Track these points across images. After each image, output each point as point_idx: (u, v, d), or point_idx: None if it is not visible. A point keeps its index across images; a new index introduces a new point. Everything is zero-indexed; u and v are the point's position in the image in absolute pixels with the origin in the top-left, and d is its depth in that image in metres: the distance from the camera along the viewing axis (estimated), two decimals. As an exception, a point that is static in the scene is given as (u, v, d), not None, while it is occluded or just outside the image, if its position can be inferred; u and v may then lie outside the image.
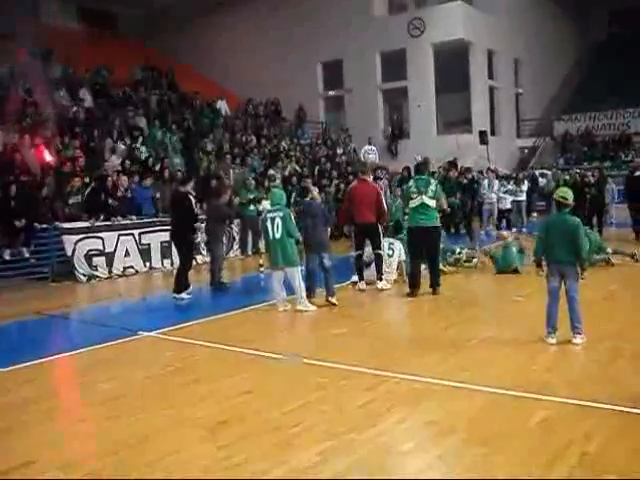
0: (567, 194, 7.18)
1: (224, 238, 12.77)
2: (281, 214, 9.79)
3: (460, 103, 30.06)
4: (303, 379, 6.35)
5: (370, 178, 11.87)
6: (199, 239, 13.49)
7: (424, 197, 10.26)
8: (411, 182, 10.76)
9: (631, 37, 36.19)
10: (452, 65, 28.32)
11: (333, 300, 9.99)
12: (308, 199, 11.14)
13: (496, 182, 19.50)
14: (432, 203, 10.29)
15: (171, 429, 5.13)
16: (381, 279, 11.20)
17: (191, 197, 11.47)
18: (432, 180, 10.84)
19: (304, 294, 9.78)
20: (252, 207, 16.70)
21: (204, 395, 5.93)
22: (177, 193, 12.00)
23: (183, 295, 11.15)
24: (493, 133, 29.81)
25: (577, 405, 5.23)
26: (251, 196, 16.91)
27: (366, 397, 5.64)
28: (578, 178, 17.75)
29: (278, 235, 9.70)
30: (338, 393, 5.85)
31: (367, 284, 11.16)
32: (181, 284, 11.19)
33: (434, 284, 10.50)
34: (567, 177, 18.90)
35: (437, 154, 23.53)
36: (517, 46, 31.53)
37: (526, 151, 32.60)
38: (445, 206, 10.93)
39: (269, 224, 9.79)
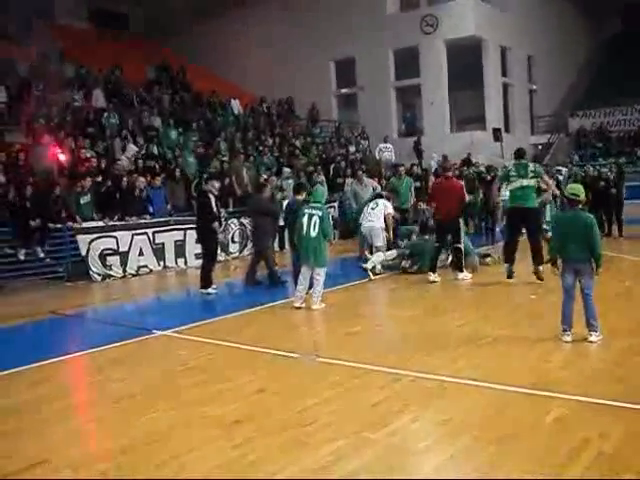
0: (578, 190, 7.13)
1: (271, 233, 12.77)
2: (320, 213, 9.67)
3: (474, 100, 29.96)
4: (317, 378, 6.34)
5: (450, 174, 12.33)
6: (221, 237, 13.45)
7: (523, 180, 10.78)
8: (511, 166, 11.31)
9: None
10: (465, 62, 28.21)
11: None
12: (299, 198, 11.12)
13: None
14: (532, 183, 10.85)
15: (185, 428, 5.14)
16: (462, 270, 11.61)
17: (210, 195, 11.65)
18: (530, 163, 11.43)
19: (321, 293, 9.75)
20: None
21: (218, 394, 5.94)
22: (199, 192, 12.32)
23: (210, 290, 11.51)
24: (507, 130, 29.68)
25: (592, 403, 5.19)
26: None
27: (379, 396, 5.62)
28: (591, 174, 17.59)
29: (314, 234, 9.59)
30: (351, 392, 5.84)
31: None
32: (207, 279, 11.53)
33: (536, 263, 10.73)
34: (582, 173, 18.74)
35: (451, 151, 23.51)
36: (530, 42, 31.37)
37: (540, 148, 32.41)
38: (550, 183, 12.00)
39: (305, 220, 9.67)
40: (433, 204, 12.24)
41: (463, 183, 12.74)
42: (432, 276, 11.54)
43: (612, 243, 14.65)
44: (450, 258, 12.32)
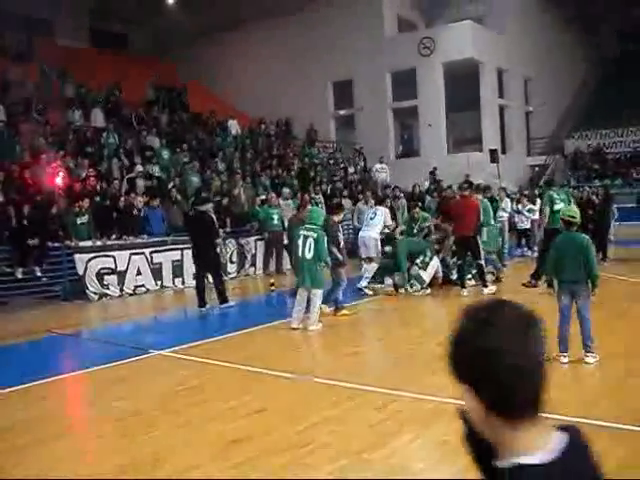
0: (574, 212, 7.20)
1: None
2: (315, 235, 9.61)
3: (470, 122, 30.10)
4: (315, 398, 6.35)
5: (467, 193, 12.85)
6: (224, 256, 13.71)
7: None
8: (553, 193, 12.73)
9: (640, 55, 36.25)
10: (462, 84, 28.38)
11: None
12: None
13: (507, 200, 19.38)
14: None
15: (185, 447, 5.14)
16: (486, 286, 12.01)
17: (212, 215, 12.17)
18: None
19: (317, 317, 9.75)
20: (277, 222, 16.78)
21: (216, 414, 5.94)
22: (196, 213, 12.42)
23: (231, 303, 11.94)
24: (504, 151, 29.78)
25: (590, 425, 5.19)
26: (275, 211, 16.99)
27: (378, 417, 5.63)
28: (585, 196, 17.55)
29: (309, 256, 9.56)
30: (350, 412, 5.84)
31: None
32: (223, 294, 11.89)
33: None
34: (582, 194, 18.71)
35: (448, 173, 23.59)
36: (527, 65, 31.58)
37: (537, 169, 32.55)
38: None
39: (300, 242, 9.66)
40: (451, 222, 12.80)
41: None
42: (464, 291, 11.98)
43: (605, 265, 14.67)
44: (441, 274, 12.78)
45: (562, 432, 1.43)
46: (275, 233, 16.75)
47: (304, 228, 9.88)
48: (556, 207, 12.20)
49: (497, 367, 1.36)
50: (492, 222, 13.78)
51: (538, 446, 1.36)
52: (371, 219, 13.20)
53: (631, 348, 7.62)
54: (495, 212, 17.80)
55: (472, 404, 1.42)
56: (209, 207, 12.41)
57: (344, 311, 10.59)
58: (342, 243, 10.74)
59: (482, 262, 12.18)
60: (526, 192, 21.61)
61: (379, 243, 13.05)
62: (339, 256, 10.51)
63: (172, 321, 12.05)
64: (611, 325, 8.80)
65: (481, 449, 1.47)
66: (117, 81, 23.60)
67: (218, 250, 12.74)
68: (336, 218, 10.89)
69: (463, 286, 12.08)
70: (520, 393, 1.37)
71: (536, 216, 18.08)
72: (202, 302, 11.74)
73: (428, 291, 12.43)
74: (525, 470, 1.33)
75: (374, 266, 12.80)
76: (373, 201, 16.79)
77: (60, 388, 7.44)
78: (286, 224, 15.74)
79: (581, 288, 6.94)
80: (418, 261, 12.44)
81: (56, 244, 13.83)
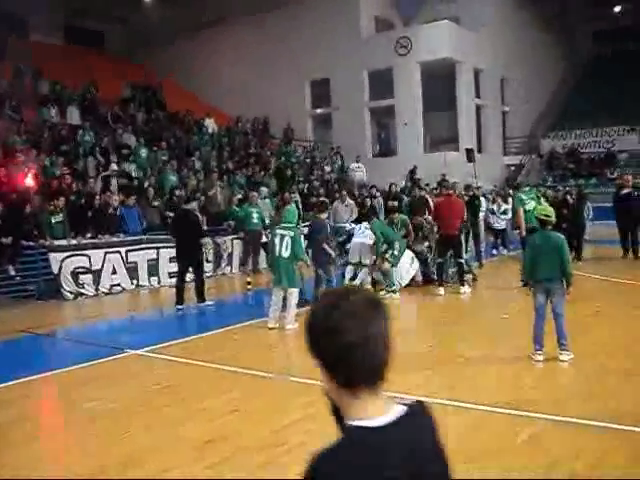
0: (549, 212, 7.25)
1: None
2: (292, 233, 9.64)
3: (447, 121, 30.22)
4: (291, 398, 6.34)
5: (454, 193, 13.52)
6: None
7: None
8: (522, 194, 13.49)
9: (616, 56, 36.62)
10: (439, 83, 28.50)
11: None
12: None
13: (483, 200, 19.44)
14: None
15: (158, 448, 5.10)
16: (463, 284, 12.24)
17: (197, 214, 12.40)
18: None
19: (294, 315, 9.73)
20: (257, 220, 16.71)
21: (191, 414, 5.91)
22: (182, 211, 12.62)
23: (208, 302, 12.03)
24: (480, 151, 29.93)
25: (565, 422, 5.25)
26: (255, 210, 16.91)
27: (354, 415, 5.62)
28: (560, 196, 17.49)
29: (286, 255, 9.56)
30: (325, 412, 5.81)
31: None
32: (202, 293, 12.02)
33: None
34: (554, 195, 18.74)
35: (424, 172, 23.67)
36: (503, 65, 31.77)
37: (513, 169, 32.78)
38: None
39: (277, 241, 9.65)
40: (435, 220, 13.07)
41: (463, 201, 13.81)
42: (439, 289, 12.12)
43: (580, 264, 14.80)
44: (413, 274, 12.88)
45: (404, 405, 1.63)
46: (254, 232, 16.68)
47: (280, 227, 9.88)
48: (527, 207, 12.78)
49: (337, 344, 1.56)
50: None
51: (374, 413, 1.58)
52: (366, 228, 12.95)
53: (605, 346, 7.70)
54: (477, 210, 17.88)
55: (323, 378, 1.65)
56: (194, 205, 12.62)
57: None
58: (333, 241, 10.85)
59: (463, 261, 12.41)
60: (500, 190, 21.72)
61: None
62: (332, 253, 10.65)
63: (148, 320, 11.97)
64: (586, 324, 8.88)
65: (339, 415, 1.71)
66: (93, 79, 23.39)
67: (204, 249, 13.02)
68: (323, 216, 11.02)
69: (441, 285, 12.13)
70: (357, 367, 1.57)
71: (509, 215, 18.18)
72: (180, 300, 11.75)
73: (397, 295, 12.11)
74: (358, 430, 1.57)
75: (366, 271, 12.62)
76: (350, 200, 16.80)
77: (34, 389, 7.35)
78: (267, 222, 15.81)
79: (556, 287, 7.00)
80: (388, 255, 12.30)
81: (30, 243, 13.67)
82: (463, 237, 13.38)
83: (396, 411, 1.61)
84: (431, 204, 14.90)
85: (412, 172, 24.98)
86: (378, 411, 1.59)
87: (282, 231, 9.73)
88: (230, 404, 6.12)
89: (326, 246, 10.56)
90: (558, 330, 7.01)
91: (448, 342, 8.39)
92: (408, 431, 1.60)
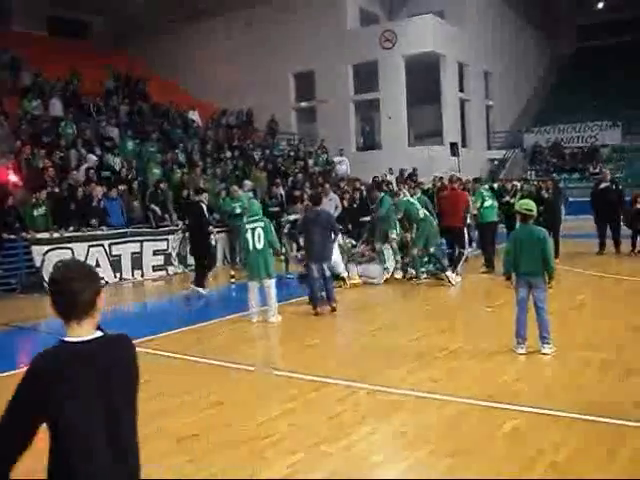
0: (530, 205, 7.27)
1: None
2: (262, 224, 9.71)
3: (431, 115, 30.27)
4: (274, 391, 6.34)
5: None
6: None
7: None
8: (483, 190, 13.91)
9: (599, 51, 36.83)
10: (423, 77, 28.55)
11: (334, 305, 10.23)
12: (318, 208, 11.00)
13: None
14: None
15: (141, 442, 5.06)
16: (457, 274, 12.61)
17: (202, 205, 12.82)
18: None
19: (276, 308, 9.75)
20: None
21: (175, 407, 5.90)
22: (189, 202, 13.65)
23: (201, 290, 12.40)
24: (464, 145, 30.02)
25: (546, 415, 5.28)
26: (237, 204, 16.81)
27: (337, 409, 5.64)
28: (534, 190, 17.13)
29: (260, 246, 9.61)
30: (309, 405, 5.84)
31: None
32: (200, 279, 12.55)
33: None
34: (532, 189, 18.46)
35: (408, 165, 23.69)
36: (487, 59, 31.89)
37: (496, 163, 32.89)
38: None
39: (249, 235, 9.66)
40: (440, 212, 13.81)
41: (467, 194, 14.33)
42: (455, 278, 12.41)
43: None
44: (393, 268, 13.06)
45: (102, 332, 2.58)
46: (237, 225, 16.58)
47: (249, 222, 9.87)
48: (486, 203, 13.37)
49: (51, 290, 2.51)
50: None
51: (78, 334, 2.50)
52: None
53: (587, 339, 7.75)
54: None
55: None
56: (202, 197, 13.08)
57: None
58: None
59: (465, 251, 13.29)
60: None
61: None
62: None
63: (131, 313, 11.94)
64: (567, 317, 8.94)
65: None
66: (76, 70, 23.19)
67: (211, 238, 13.76)
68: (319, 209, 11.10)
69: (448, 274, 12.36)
70: (59, 304, 2.48)
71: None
72: (200, 284, 12.48)
73: (381, 281, 12.68)
74: (62, 342, 2.50)
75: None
76: (333, 194, 16.77)
77: (12, 384, 7.28)
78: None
79: (538, 280, 7.04)
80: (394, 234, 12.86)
81: (12, 236, 13.55)
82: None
83: (94, 335, 2.53)
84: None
85: (409, 174, 24.86)
86: (81, 333, 2.49)
87: (252, 224, 9.75)
88: (213, 397, 6.11)
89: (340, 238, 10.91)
90: (540, 323, 7.05)
91: (432, 336, 8.41)
92: (98, 346, 2.52)
